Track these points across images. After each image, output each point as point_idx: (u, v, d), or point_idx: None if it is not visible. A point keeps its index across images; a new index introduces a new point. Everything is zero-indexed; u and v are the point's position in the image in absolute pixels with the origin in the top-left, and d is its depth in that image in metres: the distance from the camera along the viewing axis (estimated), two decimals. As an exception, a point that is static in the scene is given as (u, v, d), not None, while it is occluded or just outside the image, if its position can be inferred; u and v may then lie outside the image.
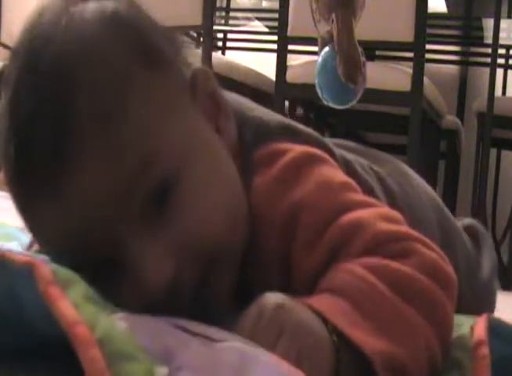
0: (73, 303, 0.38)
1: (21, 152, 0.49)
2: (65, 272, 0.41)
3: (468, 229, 0.83)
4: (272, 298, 0.46)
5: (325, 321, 0.45)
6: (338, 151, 0.64)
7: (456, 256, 0.76)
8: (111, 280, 0.49)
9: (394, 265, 0.48)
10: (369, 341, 0.44)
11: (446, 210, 0.79)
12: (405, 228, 0.53)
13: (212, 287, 0.51)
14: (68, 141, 0.47)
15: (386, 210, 0.55)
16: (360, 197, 0.55)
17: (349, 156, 0.66)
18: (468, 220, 0.87)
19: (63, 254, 0.49)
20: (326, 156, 0.58)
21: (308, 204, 0.53)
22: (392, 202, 0.65)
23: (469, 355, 0.47)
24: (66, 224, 0.48)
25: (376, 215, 0.52)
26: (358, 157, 0.68)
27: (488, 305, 0.80)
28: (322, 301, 0.47)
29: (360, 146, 0.79)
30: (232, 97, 0.63)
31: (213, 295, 0.51)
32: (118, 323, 0.38)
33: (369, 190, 0.61)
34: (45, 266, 0.40)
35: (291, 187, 0.54)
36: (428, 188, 0.80)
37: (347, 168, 0.62)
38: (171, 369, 0.36)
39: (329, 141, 0.65)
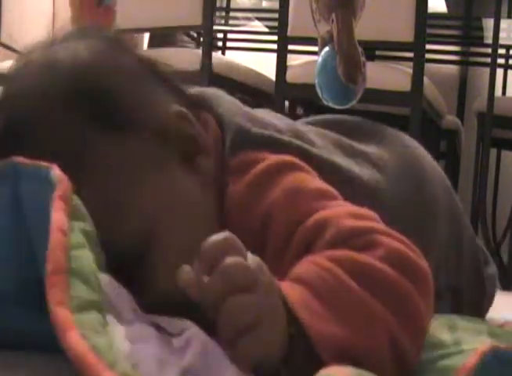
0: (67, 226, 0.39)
1: None
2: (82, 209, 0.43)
3: None
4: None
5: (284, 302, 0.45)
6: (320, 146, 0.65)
7: (462, 246, 0.76)
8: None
9: (358, 256, 0.48)
10: (317, 325, 0.44)
11: (455, 195, 0.80)
12: (373, 223, 0.52)
13: None
14: None
15: (355, 208, 0.54)
16: (332, 203, 0.55)
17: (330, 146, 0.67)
18: None
19: None
20: (302, 164, 0.59)
21: (277, 213, 0.54)
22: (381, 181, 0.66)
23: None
24: None
25: (342, 212, 0.53)
26: (342, 140, 0.70)
27: (490, 300, 0.80)
28: (284, 286, 0.46)
29: (360, 121, 0.80)
30: (225, 99, 0.64)
31: None
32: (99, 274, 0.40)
33: (349, 178, 0.63)
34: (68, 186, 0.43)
35: (262, 195, 0.55)
36: (440, 171, 0.81)
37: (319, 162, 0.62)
38: None
39: (312, 138, 0.66)
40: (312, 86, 1.09)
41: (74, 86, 0.54)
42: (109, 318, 0.38)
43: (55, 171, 0.43)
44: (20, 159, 0.44)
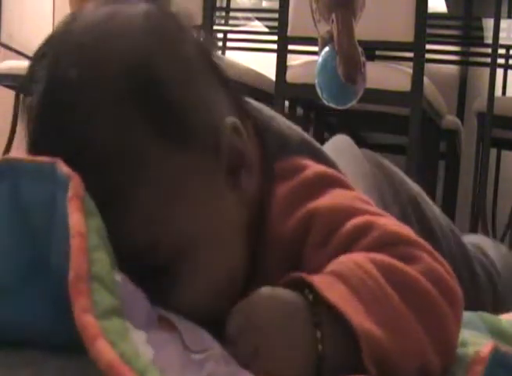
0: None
1: None
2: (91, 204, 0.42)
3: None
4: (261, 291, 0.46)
5: (315, 296, 0.45)
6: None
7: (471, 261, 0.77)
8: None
9: (400, 264, 0.48)
10: (358, 317, 0.44)
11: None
12: (415, 235, 0.52)
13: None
14: None
15: (397, 221, 0.54)
16: (375, 209, 0.55)
17: None
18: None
19: None
20: (344, 178, 0.59)
21: (322, 211, 0.53)
22: None
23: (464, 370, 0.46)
24: None
25: (387, 220, 0.52)
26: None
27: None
28: (320, 279, 0.46)
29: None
30: (260, 107, 0.63)
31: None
32: (115, 274, 0.39)
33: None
34: (80, 182, 0.41)
35: (308, 199, 0.54)
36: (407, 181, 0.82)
37: None
38: None
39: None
40: (312, 86, 1.09)
41: (130, 80, 0.48)
42: (128, 324, 0.38)
43: (62, 168, 0.41)
44: (18, 156, 0.43)
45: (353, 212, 0.53)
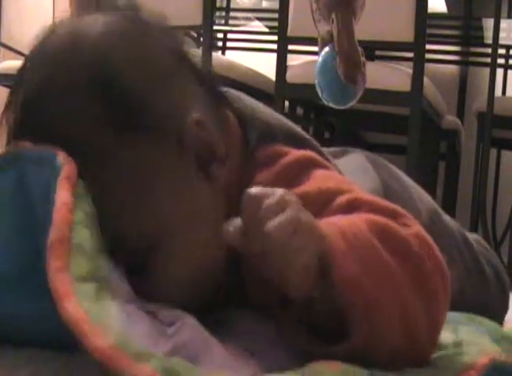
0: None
1: None
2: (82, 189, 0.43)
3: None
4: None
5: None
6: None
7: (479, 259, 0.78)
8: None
9: (390, 222, 0.49)
10: (342, 258, 0.45)
11: (441, 213, 0.81)
12: (402, 210, 0.53)
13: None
14: None
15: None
16: (361, 191, 0.57)
17: None
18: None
19: None
20: (324, 161, 0.60)
21: (312, 194, 0.54)
22: None
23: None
24: None
25: (374, 197, 0.54)
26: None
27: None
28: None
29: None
30: (242, 97, 0.64)
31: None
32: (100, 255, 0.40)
33: None
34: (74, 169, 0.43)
35: (294, 184, 0.55)
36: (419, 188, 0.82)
37: None
38: None
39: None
40: (312, 86, 1.09)
41: (95, 79, 0.52)
42: (107, 294, 0.38)
43: (61, 156, 0.43)
44: (26, 144, 0.44)
45: (341, 192, 0.54)
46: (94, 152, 0.50)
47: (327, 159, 0.63)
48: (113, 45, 0.54)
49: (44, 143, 0.47)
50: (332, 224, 0.48)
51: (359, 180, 0.66)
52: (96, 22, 0.56)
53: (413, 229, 0.50)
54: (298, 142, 0.62)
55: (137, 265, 0.51)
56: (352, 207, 0.52)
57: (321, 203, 0.53)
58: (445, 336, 0.54)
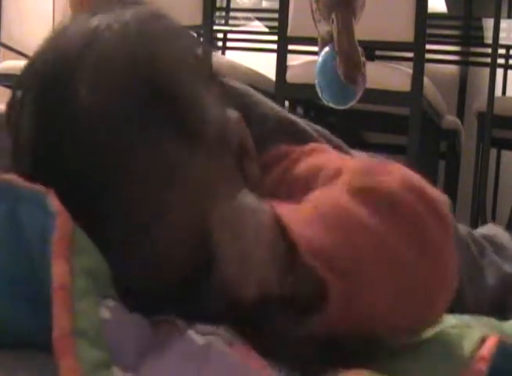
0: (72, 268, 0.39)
1: None
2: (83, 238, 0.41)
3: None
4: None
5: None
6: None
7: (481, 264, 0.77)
8: None
9: (372, 179, 0.47)
10: (303, 231, 0.43)
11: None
12: (383, 161, 0.52)
13: None
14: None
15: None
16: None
17: None
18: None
19: None
20: (325, 146, 0.61)
21: (298, 177, 0.55)
22: None
23: (459, 364, 0.45)
24: None
25: (359, 161, 0.54)
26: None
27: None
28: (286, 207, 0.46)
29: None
30: (238, 87, 0.64)
31: None
32: (101, 311, 0.39)
33: None
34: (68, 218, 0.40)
35: (289, 170, 0.56)
36: None
37: None
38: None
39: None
40: (312, 86, 1.09)
41: (138, 83, 0.47)
42: (116, 371, 0.38)
43: (53, 200, 0.40)
44: (17, 179, 0.41)
45: (328, 164, 0.54)
46: (157, 161, 0.46)
47: (336, 147, 0.63)
48: (151, 48, 0.49)
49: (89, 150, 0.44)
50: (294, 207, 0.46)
51: None
52: (124, 18, 0.50)
53: (395, 175, 0.47)
54: (296, 136, 0.62)
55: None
56: (338, 174, 0.50)
57: (310, 178, 0.53)
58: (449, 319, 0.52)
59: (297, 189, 0.53)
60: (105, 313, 0.39)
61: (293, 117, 0.66)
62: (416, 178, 0.48)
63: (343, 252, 0.43)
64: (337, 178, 0.50)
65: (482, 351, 0.45)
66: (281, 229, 0.44)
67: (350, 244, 0.43)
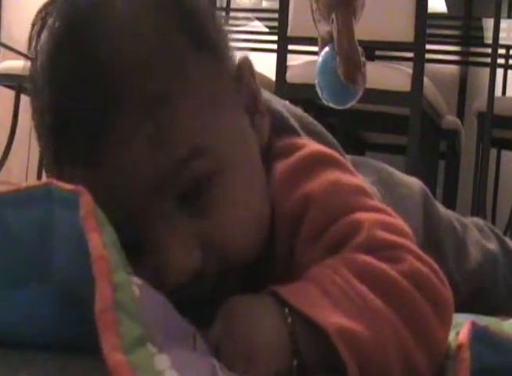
0: (103, 241, 0.38)
1: (64, 118, 0.48)
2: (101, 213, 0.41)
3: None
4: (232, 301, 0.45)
5: (284, 304, 0.44)
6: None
7: (442, 241, 0.77)
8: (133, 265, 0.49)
9: (377, 263, 0.47)
10: (324, 315, 0.43)
11: (430, 195, 0.81)
12: (405, 240, 0.51)
13: (228, 283, 0.52)
14: (116, 114, 0.47)
15: (391, 219, 0.53)
16: (371, 202, 0.55)
17: None
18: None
19: None
20: (342, 159, 0.59)
21: (317, 200, 0.53)
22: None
23: (452, 360, 0.45)
24: (98, 196, 0.48)
25: (377, 221, 0.51)
26: None
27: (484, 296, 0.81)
28: (290, 287, 0.46)
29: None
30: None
31: (225, 291, 0.51)
32: (133, 287, 0.39)
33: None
34: (89, 196, 0.40)
35: (304, 179, 0.54)
36: (411, 178, 0.81)
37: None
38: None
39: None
40: (312, 86, 1.09)
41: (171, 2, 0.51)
42: (152, 349, 0.37)
43: (65, 186, 0.41)
44: (56, 182, 0.41)
45: (345, 209, 0.52)
46: (172, 67, 0.49)
47: (342, 155, 0.62)
48: None
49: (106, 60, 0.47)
50: (309, 279, 0.47)
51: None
52: None
53: (406, 263, 0.48)
54: (315, 136, 0.62)
55: (192, 195, 0.49)
56: (348, 234, 0.50)
57: (322, 221, 0.52)
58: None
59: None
60: (136, 290, 0.39)
61: (311, 118, 0.66)
62: (425, 270, 0.48)
63: (367, 340, 0.44)
64: (349, 237, 0.50)
65: (460, 338, 0.46)
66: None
67: (374, 333, 0.44)
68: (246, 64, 0.56)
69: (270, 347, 0.43)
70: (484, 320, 0.60)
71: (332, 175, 0.55)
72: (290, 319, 0.44)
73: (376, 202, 0.55)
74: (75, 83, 0.48)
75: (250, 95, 0.56)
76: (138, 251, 0.49)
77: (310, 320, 0.43)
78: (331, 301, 0.45)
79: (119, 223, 0.46)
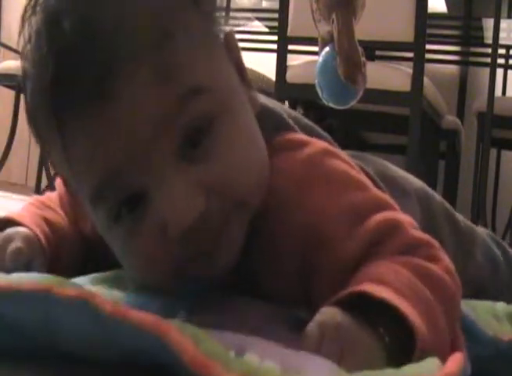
0: None
1: (65, 65, 0.48)
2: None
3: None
4: (330, 315, 0.44)
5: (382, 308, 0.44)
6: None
7: (442, 241, 0.77)
8: (133, 219, 0.50)
9: (427, 264, 0.49)
10: (412, 315, 0.44)
11: (433, 196, 0.81)
12: (429, 237, 0.53)
13: (231, 233, 0.51)
14: (117, 57, 0.47)
15: (410, 219, 0.55)
16: (383, 195, 0.56)
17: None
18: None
19: (89, 178, 0.49)
20: (344, 155, 0.59)
21: (331, 211, 0.53)
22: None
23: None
24: (100, 143, 0.48)
25: (407, 221, 0.53)
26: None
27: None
28: (372, 287, 0.46)
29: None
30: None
31: (229, 244, 0.51)
32: None
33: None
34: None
35: (319, 180, 0.54)
36: (412, 178, 0.81)
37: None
38: None
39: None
40: (312, 86, 1.09)
41: None
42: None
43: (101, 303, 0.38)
44: (56, 289, 0.39)
45: (373, 206, 0.53)
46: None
47: (335, 146, 0.63)
48: None
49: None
50: (379, 282, 0.47)
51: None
52: None
53: (443, 262, 0.50)
54: (307, 130, 0.62)
55: (193, 142, 0.50)
56: (383, 233, 0.51)
57: (352, 220, 0.52)
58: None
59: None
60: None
61: (298, 114, 0.66)
62: (452, 265, 0.51)
63: (426, 333, 0.44)
64: (385, 237, 0.51)
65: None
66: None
67: (433, 328, 0.45)
68: (232, 35, 0.58)
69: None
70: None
71: (342, 166, 0.56)
72: (387, 339, 0.44)
73: (391, 200, 0.56)
74: (82, 25, 0.48)
75: (237, 64, 0.57)
76: (140, 203, 0.49)
77: (397, 316, 0.44)
78: (408, 302, 0.45)
79: (122, 165, 0.48)
